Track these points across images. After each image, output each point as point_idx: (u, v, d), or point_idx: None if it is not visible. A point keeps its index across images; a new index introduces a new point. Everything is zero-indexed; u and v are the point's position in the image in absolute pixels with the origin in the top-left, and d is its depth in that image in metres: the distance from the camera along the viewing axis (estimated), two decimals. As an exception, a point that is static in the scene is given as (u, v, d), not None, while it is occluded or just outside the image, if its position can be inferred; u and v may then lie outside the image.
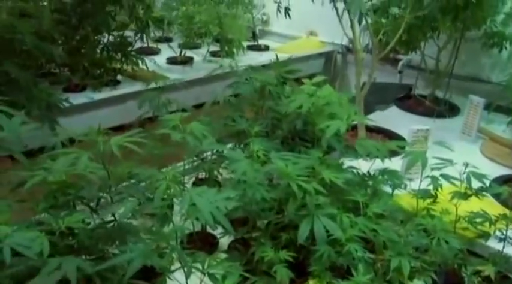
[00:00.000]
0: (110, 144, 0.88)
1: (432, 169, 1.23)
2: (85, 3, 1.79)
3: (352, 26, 1.73)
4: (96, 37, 1.98)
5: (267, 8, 3.19)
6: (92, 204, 0.99)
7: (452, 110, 2.35)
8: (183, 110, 1.45)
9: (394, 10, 1.95)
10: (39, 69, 2.00)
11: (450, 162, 1.19)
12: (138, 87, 2.04)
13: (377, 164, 1.35)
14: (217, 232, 1.26)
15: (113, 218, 1.01)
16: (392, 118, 2.25)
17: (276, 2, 1.86)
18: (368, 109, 2.15)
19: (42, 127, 1.62)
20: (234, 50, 2.57)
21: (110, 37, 2.09)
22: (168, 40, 2.92)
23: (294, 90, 1.46)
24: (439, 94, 2.39)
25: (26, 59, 1.72)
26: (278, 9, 1.85)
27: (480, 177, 1.17)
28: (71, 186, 0.96)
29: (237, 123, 1.40)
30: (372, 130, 2.00)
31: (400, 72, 2.77)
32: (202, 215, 0.79)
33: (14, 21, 1.53)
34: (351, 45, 1.86)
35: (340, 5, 1.76)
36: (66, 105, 1.71)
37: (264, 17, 3.31)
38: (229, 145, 1.45)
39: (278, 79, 1.51)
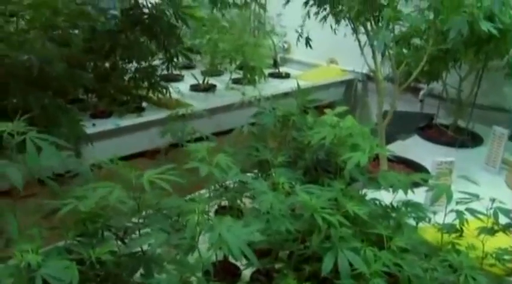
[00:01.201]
0: (142, 177, 0.90)
1: (457, 203, 1.22)
2: (119, 33, 1.86)
3: (374, 57, 1.76)
4: (124, 65, 2.04)
5: (288, 36, 3.24)
6: (119, 233, 1.01)
7: (475, 140, 2.33)
8: (207, 137, 1.49)
9: (416, 41, 1.97)
10: (68, 95, 2.06)
11: (476, 196, 1.18)
12: (162, 114, 2.09)
13: (400, 195, 1.35)
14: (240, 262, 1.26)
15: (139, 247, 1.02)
16: (414, 147, 2.24)
17: (297, 32, 1.89)
18: (389, 138, 2.15)
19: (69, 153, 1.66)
20: (256, 77, 2.62)
21: (138, 65, 2.15)
22: (190, 67, 2.99)
23: (316, 120, 1.47)
24: (461, 123, 2.38)
25: (56, 86, 1.78)
26: (298, 39, 1.88)
27: (507, 212, 1.15)
28: (100, 215, 0.98)
29: (260, 153, 1.42)
30: (393, 160, 1.99)
31: (421, 100, 2.77)
32: (231, 250, 0.80)
33: (46, 50, 1.60)
34: (371, 73, 1.88)
35: (362, 37, 1.80)
36: (94, 131, 1.76)
37: (285, 45, 3.37)
38: (252, 175, 1.46)
39: (300, 108, 1.54)
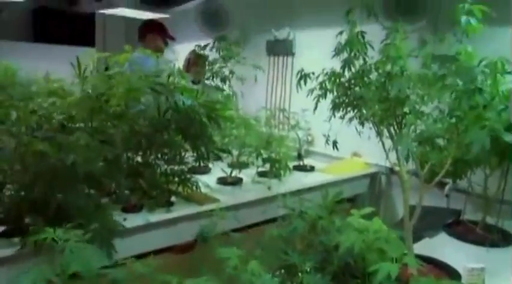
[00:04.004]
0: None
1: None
2: (155, 133, 1.99)
3: (398, 159, 1.81)
4: (157, 161, 2.14)
5: (312, 129, 3.37)
6: None
7: (506, 239, 2.27)
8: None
9: (439, 142, 2.02)
10: (102, 190, 2.15)
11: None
12: (191, 209, 2.16)
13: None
14: None
15: None
16: (442, 246, 2.20)
17: (324, 136, 1.99)
18: (416, 235, 2.12)
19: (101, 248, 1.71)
20: (281, 171, 2.68)
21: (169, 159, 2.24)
22: (217, 159, 3.09)
23: (344, 223, 1.50)
24: (490, 219, 2.34)
25: (93, 182, 1.88)
26: (327, 142, 1.97)
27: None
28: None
29: (289, 256, 1.44)
30: (421, 258, 1.95)
31: (447, 195, 2.76)
32: None
33: (89, 150, 1.72)
34: (394, 167, 1.92)
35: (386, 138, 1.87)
36: (127, 226, 1.81)
37: (309, 138, 3.48)
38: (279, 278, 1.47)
39: (328, 210, 1.58)
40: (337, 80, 1.95)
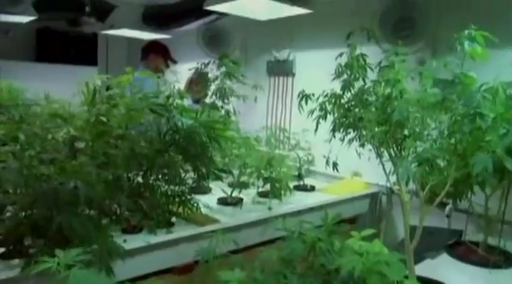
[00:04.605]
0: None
1: None
2: (156, 153, 2.00)
3: (398, 181, 1.81)
4: (158, 182, 2.14)
5: (312, 148, 3.37)
6: None
7: (508, 260, 2.26)
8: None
9: (440, 163, 2.03)
10: (103, 211, 2.14)
11: None
12: (191, 230, 2.15)
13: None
14: None
15: None
16: (443, 267, 2.18)
17: (324, 157, 2.00)
18: (417, 256, 2.11)
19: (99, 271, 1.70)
20: (282, 192, 2.68)
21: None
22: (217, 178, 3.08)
23: (343, 245, 1.50)
24: (492, 240, 2.33)
25: (92, 205, 1.88)
26: (327, 163, 1.98)
27: None
28: None
29: (288, 279, 1.42)
30: (423, 280, 1.94)
31: (447, 216, 2.74)
32: None
33: (90, 175, 1.72)
34: (395, 189, 1.92)
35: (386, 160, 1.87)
36: (127, 248, 1.80)
37: (310, 157, 3.47)
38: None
39: (328, 232, 1.57)
40: (338, 101, 1.97)
